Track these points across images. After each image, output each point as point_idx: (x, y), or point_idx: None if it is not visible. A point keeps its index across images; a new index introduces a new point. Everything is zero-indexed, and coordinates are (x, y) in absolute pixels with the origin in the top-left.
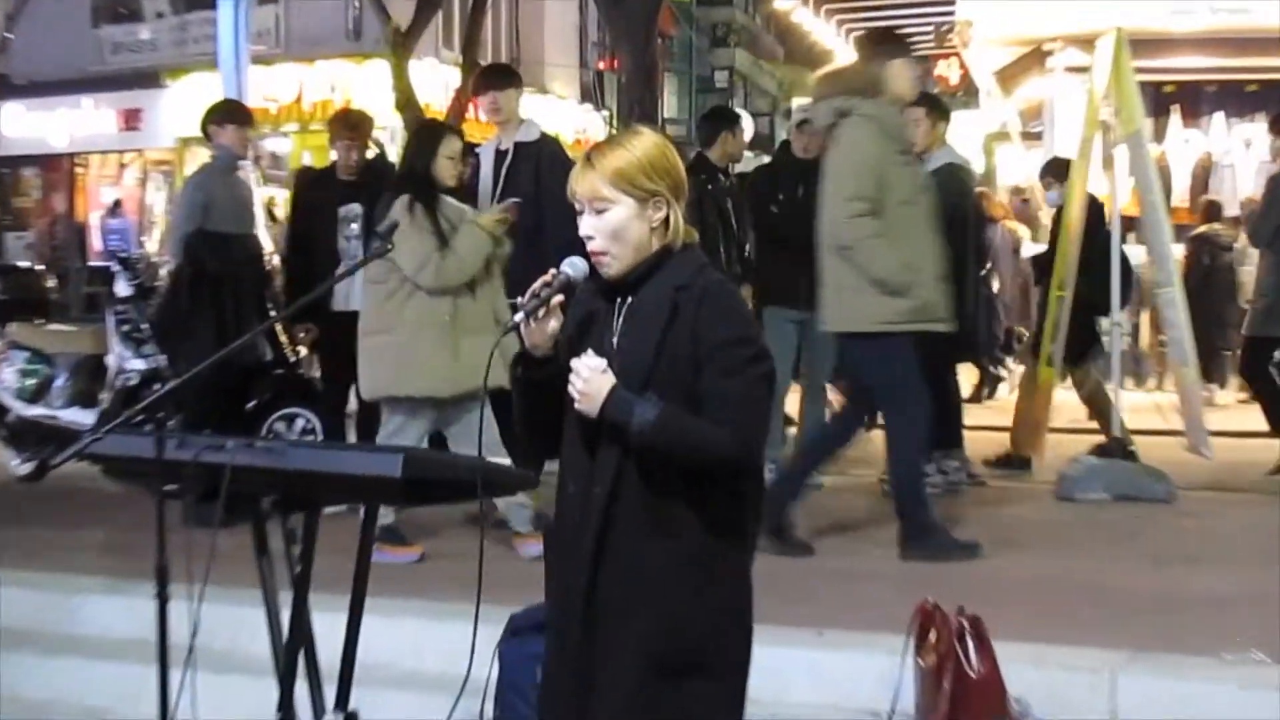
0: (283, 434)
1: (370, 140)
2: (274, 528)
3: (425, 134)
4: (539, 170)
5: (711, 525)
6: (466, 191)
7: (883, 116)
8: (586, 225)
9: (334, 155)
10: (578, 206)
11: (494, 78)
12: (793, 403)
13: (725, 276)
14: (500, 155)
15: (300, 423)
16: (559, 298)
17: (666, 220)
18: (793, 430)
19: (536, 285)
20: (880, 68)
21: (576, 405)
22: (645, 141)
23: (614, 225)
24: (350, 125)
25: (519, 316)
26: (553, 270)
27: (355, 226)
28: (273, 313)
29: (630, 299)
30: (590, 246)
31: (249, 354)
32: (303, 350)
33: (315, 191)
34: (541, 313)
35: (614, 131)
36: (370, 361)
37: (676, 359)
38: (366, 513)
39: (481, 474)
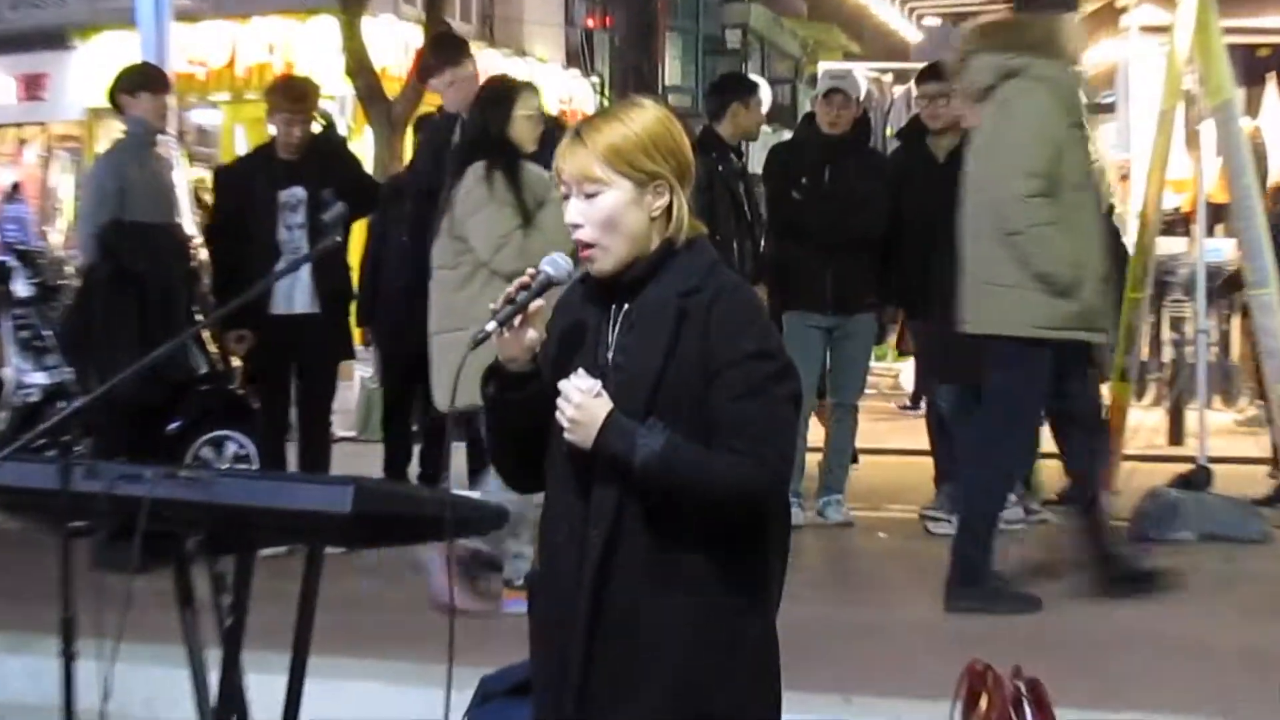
0: (211, 461)
1: (316, 113)
2: (201, 572)
3: (496, 90)
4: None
5: (729, 576)
6: (415, 175)
7: (1060, 80)
8: (574, 211)
9: (273, 130)
10: (563, 190)
11: (445, 53)
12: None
13: (740, 276)
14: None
15: (231, 448)
16: (539, 302)
17: (669, 209)
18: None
19: (512, 288)
20: (1053, 21)
21: (566, 435)
22: (646, 115)
23: (607, 211)
24: (292, 95)
25: (491, 325)
26: (530, 270)
27: (298, 215)
28: (200, 317)
29: (627, 305)
30: (577, 236)
31: (175, 367)
32: (235, 362)
33: (251, 173)
34: (518, 320)
35: (606, 102)
36: (446, 364)
37: (685, 377)
38: (310, 556)
39: (449, 510)
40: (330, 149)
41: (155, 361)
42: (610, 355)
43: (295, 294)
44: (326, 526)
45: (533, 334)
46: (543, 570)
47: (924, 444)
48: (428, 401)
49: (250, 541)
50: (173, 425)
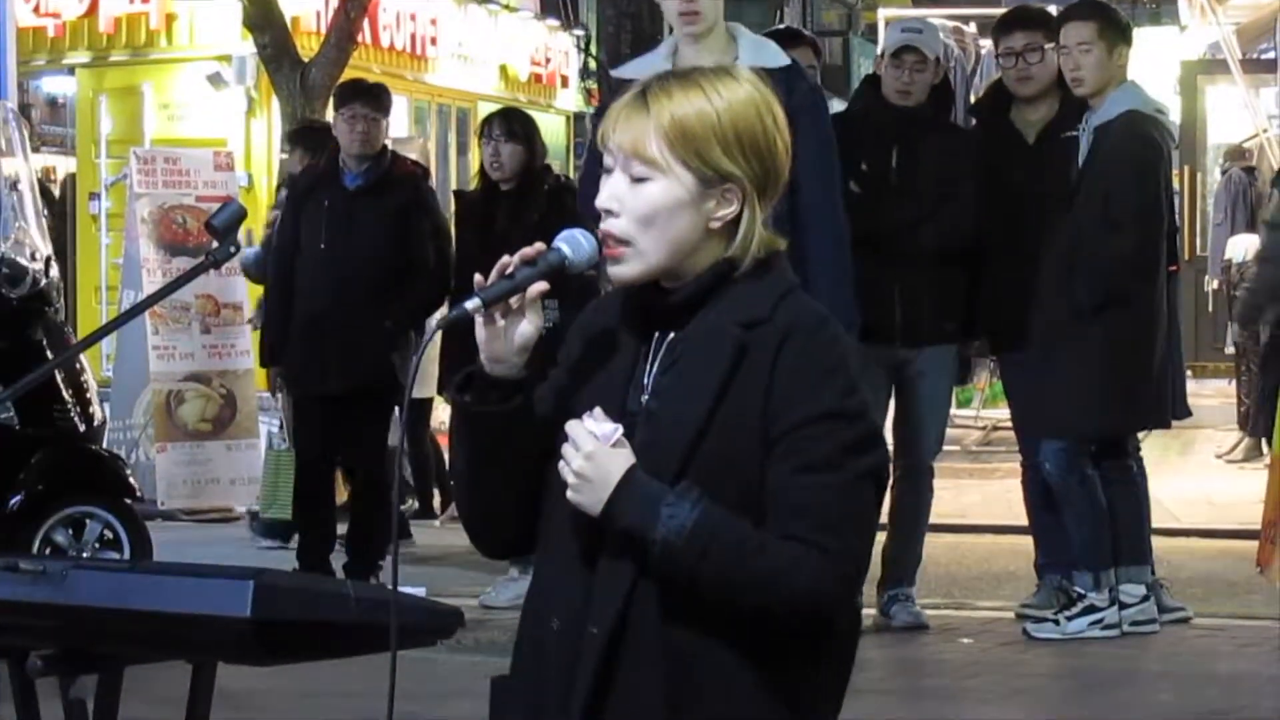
0: (67, 549)
1: None
2: (51, 697)
3: None
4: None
5: (771, 699)
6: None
7: None
8: (611, 193)
9: None
10: (606, 161)
11: None
12: None
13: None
14: None
15: (93, 529)
16: (541, 285)
17: (736, 222)
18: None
19: (513, 259)
20: None
21: (569, 494)
22: (737, 93)
23: (652, 205)
24: None
25: (473, 303)
26: (539, 245)
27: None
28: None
29: (673, 335)
30: (606, 226)
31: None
32: (97, 411)
33: None
34: (514, 304)
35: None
36: None
37: (736, 434)
38: (197, 674)
39: (394, 611)
40: None
41: None
42: (644, 398)
43: None
44: (217, 637)
45: (528, 327)
46: (520, 673)
47: (1021, 518)
48: (360, 465)
49: (116, 657)
50: (12, 500)
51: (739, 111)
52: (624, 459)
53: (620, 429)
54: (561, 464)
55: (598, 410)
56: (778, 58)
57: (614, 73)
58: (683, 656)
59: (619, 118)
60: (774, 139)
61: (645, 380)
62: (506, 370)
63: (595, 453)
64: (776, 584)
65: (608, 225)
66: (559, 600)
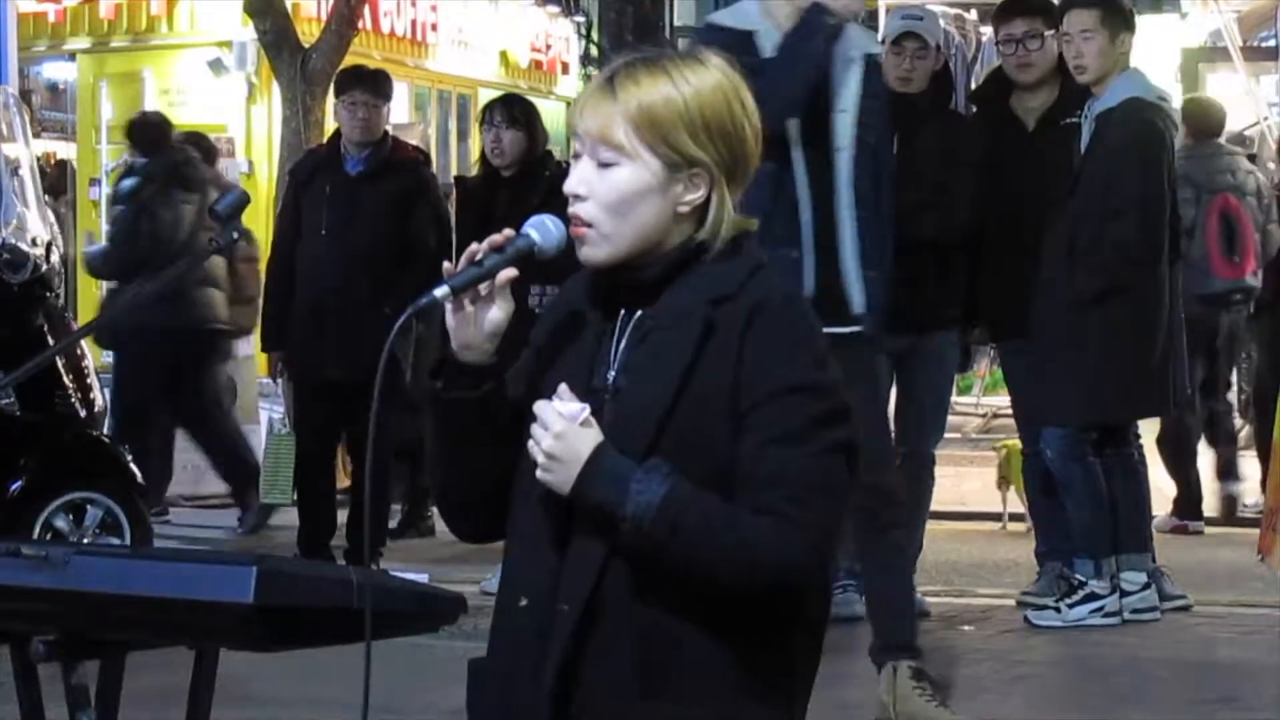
0: (68, 534)
1: None
2: (53, 683)
3: None
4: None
5: (744, 678)
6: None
7: None
8: (579, 178)
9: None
10: (575, 147)
11: None
12: None
13: (795, 288)
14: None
15: (95, 515)
16: (510, 271)
17: (704, 207)
18: None
19: (481, 246)
20: None
21: (539, 474)
22: (705, 78)
23: (619, 191)
24: None
25: (441, 291)
26: (508, 231)
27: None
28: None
29: (640, 313)
30: (575, 210)
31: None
32: (97, 397)
33: None
34: (484, 291)
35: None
36: None
37: (705, 411)
38: (199, 662)
39: (381, 596)
40: None
41: None
42: (610, 375)
43: None
44: (220, 623)
45: (497, 313)
46: (492, 652)
47: (1021, 506)
48: (356, 453)
49: (118, 643)
50: (13, 486)
51: (707, 98)
52: (592, 437)
53: (587, 408)
54: (531, 444)
55: (564, 389)
56: (877, 45)
57: (709, 18)
58: (654, 635)
59: (586, 104)
60: (742, 125)
61: (611, 357)
62: (477, 357)
63: (565, 432)
64: (747, 556)
65: (576, 209)
66: (527, 578)
